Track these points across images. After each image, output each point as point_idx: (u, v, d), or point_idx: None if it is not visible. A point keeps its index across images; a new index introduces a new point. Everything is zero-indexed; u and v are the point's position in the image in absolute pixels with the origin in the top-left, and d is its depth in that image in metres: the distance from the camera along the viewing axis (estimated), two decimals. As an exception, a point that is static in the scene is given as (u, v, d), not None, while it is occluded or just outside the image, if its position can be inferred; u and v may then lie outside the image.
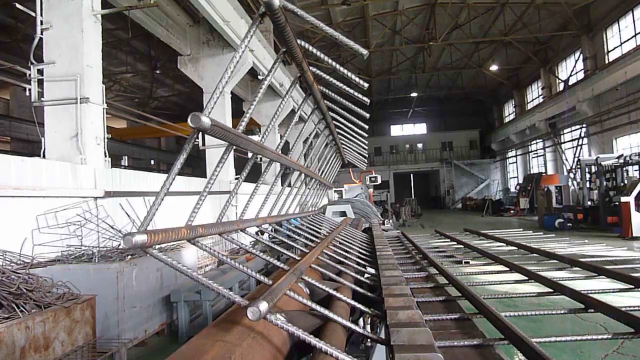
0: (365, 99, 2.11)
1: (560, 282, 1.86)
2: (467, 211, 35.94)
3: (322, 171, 4.26)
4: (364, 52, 1.68)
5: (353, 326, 1.07)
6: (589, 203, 17.61)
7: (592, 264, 2.10)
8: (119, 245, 6.17)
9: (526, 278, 2.16)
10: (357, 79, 1.79)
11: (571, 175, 23.90)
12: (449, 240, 3.85)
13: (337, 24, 24.36)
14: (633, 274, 1.55)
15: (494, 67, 31.99)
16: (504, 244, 3.45)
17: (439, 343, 1.24)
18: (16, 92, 21.53)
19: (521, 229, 4.75)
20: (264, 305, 0.87)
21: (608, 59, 22.45)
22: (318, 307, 1.09)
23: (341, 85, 2.22)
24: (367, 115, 2.72)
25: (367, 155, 5.02)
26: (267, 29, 18.03)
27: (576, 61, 25.91)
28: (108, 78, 23.99)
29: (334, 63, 1.82)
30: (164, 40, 12.40)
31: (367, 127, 3.27)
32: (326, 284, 1.37)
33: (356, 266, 1.97)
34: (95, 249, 5.68)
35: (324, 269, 1.60)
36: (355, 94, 2.07)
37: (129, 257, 5.60)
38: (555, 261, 2.78)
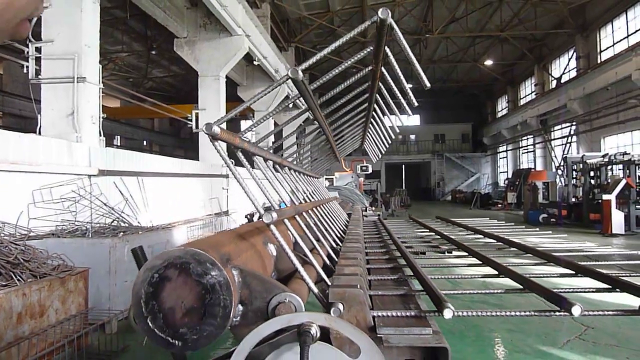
0: (414, 100, 2.22)
1: (494, 258, 2.11)
2: (456, 203, 36.39)
3: (341, 144, 4.54)
4: (427, 84, 1.93)
5: (321, 272, 1.35)
6: (573, 200, 17.98)
7: (546, 253, 2.31)
8: (112, 222, 6.37)
9: (466, 253, 2.41)
10: (424, 79, 1.98)
11: (559, 172, 24.30)
12: (420, 226, 4.13)
13: (335, 12, 24.42)
14: (604, 271, 1.71)
15: (489, 62, 32.22)
16: (464, 229, 3.76)
17: (374, 292, 1.51)
18: (9, 66, 21.44)
19: (488, 218, 5.04)
20: (274, 214, 1.22)
21: (600, 59, 22.74)
22: (304, 247, 1.38)
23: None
24: (416, 103, 2.67)
25: (383, 151, 5.14)
26: (264, 15, 18.09)
27: (569, 59, 26.19)
28: (103, 56, 23.91)
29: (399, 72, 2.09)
30: (161, 22, 12.46)
31: (398, 126, 3.39)
32: (310, 239, 1.68)
33: (334, 235, 2.24)
34: (89, 225, 5.88)
35: (310, 224, 1.87)
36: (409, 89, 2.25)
37: (121, 233, 5.81)
38: (500, 243, 3.05)
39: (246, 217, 9.22)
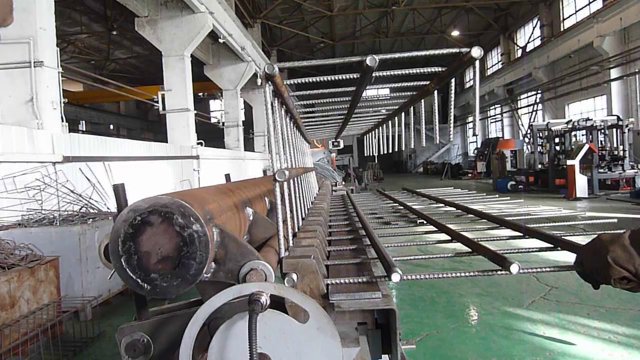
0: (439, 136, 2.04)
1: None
2: (427, 175, 37.00)
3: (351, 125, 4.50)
4: (477, 132, 1.90)
5: (291, 242, 1.41)
6: (540, 166, 18.46)
7: (497, 218, 2.39)
8: (80, 209, 6.27)
9: (424, 221, 2.51)
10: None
11: (526, 139, 24.87)
12: (385, 198, 4.22)
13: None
14: (550, 233, 1.78)
15: (455, 33, 32.38)
16: (427, 199, 3.87)
17: (331, 262, 1.57)
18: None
19: (452, 187, 5.18)
20: (287, 172, 1.30)
21: (563, 27, 23.13)
22: (288, 212, 1.49)
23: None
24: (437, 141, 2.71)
25: (380, 152, 4.80)
26: (228, -10, 17.63)
27: (534, 28, 26.58)
28: (61, 39, 23.05)
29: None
30: (120, 0, 12.05)
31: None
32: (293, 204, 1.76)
33: (306, 206, 2.32)
34: (57, 213, 5.77)
35: (296, 190, 1.94)
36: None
37: (90, 220, 5.73)
38: (452, 208, 3.16)
39: (225, 176, 9.21)
